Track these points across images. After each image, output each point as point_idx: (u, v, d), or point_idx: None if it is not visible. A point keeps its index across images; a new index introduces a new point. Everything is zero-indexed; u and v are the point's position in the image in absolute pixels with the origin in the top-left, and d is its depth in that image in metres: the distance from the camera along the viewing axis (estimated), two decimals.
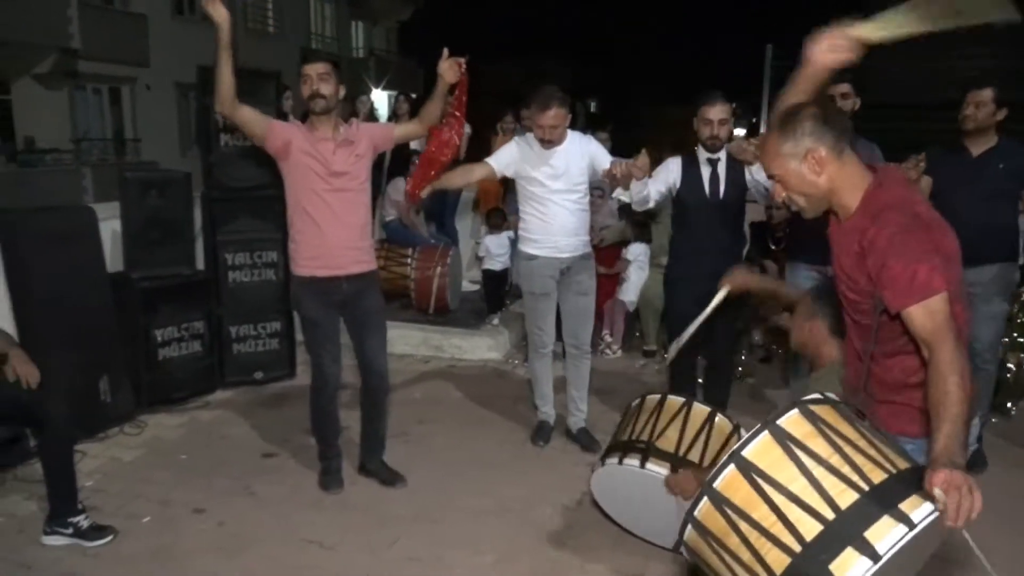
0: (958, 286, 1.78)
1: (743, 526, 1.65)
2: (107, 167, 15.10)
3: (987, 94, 3.53)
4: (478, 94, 4.31)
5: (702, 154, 3.71)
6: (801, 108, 1.85)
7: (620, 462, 2.80)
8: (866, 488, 1.56)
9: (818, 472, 1.60)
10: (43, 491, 3.01)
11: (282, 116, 4.91)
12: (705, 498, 1.71)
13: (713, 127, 3.60)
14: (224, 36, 2.93)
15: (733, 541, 1.67)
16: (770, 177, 1.91)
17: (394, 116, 6.85)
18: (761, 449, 1.67)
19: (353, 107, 6.40)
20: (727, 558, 1.69)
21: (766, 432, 1.67)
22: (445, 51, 3.39)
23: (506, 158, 3.73)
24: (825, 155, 1.79)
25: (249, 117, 3.15)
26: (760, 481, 1.64)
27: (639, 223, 5.50)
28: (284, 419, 4.22)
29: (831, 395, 1.78)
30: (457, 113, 4.03)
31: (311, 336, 3.36)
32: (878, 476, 1.58)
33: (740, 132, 8.39)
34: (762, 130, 7.10)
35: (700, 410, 2.92)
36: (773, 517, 1.60)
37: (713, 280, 3.77)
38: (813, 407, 1.71)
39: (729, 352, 4.18)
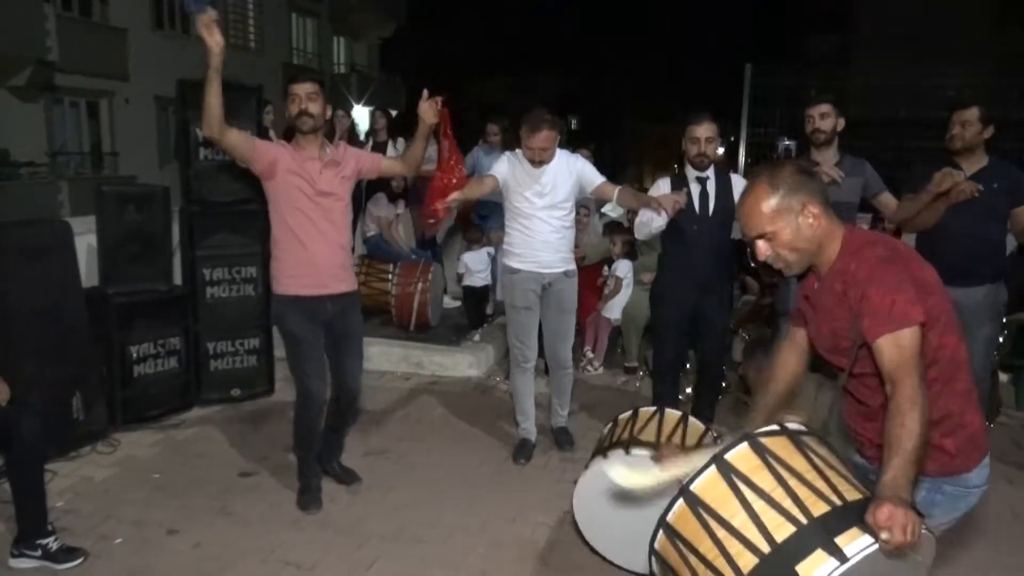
0: (945, 315, 1.79)
1: (692, 559, 1.70)
2: (84, 181, 14.90)
3: (973, 113, 3.51)
4: (464, 109, 4.43)
5: (691, 172, 3.78)
6: (783, 165, 1.89)
7: (605, 455, 2.79)
8: (804, 522, 1.58)
9: (758, 506, 1.64)
10: (11, 511, 2.93)
11: (263, 131, 4.91)
12: (661, 531, 1.77)
13: (700, 145, 3.70)
14: (216, 61, 2.91)
15: (685, 574, 1.73)
16: (758, 237, 1.86)
17: (372, 131, 6.85)
18: (708, 484, 1.71)
19: (331, 124, 6.35)
20: None
21: (713, 467, 1.71)
22: (424, 92, 3.43)
23: (503, 171, 3.75)
24: (819, 209, 1.82)
25: (236, 141, 3.15)
26: (705, 515, 1.68)
27: (627, 240, 5.52)
28: (262, 437, 4.16)
29: (792, 424, 1.79)
30: (452, 161, 4.22)
31: (295, 353, 3.33)
32: (820, 509, 1.60)
33: (719, 151, 8.44)
34: (741, 148, 7.15)
35: (696, 425, 2.98)
36: (716, 551, 1.65)
37: (701, 294, 3.81)
38: (764, 440, 1.73)
39: (720, 351, 4.18)
